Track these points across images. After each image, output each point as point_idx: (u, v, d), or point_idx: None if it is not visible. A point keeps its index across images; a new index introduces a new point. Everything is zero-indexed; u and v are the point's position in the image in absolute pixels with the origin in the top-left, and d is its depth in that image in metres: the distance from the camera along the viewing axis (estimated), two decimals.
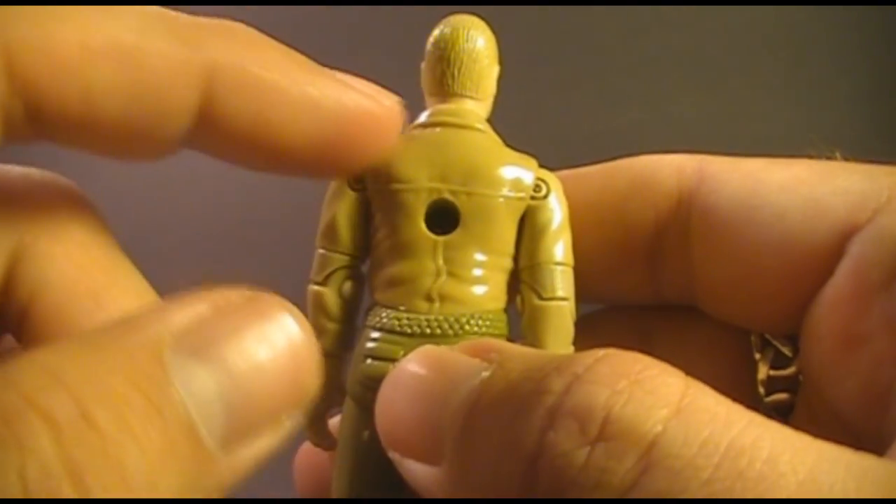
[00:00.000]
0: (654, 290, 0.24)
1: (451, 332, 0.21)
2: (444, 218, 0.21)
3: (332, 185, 0.23)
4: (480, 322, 0.21)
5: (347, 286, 0.22)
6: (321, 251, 0.23)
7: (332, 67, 0.20)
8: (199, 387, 0.15)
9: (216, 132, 0.18)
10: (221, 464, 0.15)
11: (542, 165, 0.22)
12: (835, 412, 0.21)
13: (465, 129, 0.22)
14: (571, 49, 0.47)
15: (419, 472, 0.17)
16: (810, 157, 0.22)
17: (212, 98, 0.18)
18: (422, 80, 0.23)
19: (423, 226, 0.21)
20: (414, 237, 0.21)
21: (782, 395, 0.23)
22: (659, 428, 0.14)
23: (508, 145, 0.22)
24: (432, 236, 0.21)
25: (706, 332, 0.24)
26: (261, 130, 0.18)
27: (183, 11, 0.19)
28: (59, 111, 0.17)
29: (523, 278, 0.22)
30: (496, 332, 0.21)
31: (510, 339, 0.21)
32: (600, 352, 0.16)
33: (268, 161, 0.20)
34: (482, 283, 0.21)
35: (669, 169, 0.23)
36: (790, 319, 0.22)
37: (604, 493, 0.14)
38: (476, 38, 0.22)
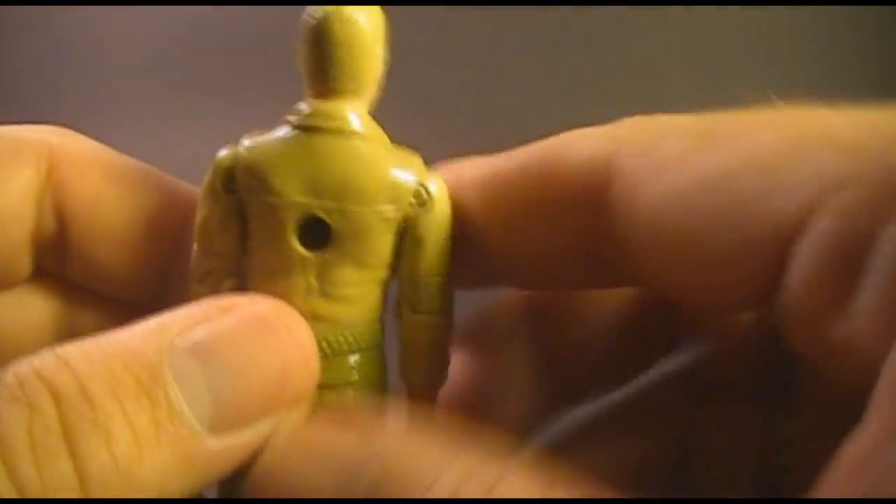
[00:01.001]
0: (593, 283, 0.23)
1: (319, 353, 0.20)
2: (319, 229, 0.21)
3: (204, 181, 0.21)
4: (351, 339, 0.21)
5: (227, 284, 0.21)
6: (196, 247, 0.22)
7: None
8: (190, 377, 0.17)
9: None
10: (207, 446, 0.17)
11: None
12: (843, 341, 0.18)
13: (341, 136, 0.20)
14: (571, 49, 0.47)
15: None
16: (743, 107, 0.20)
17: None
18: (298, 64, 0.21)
19: (293, 242, 0.20)
20: (284, 254, 0.20)
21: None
22: None
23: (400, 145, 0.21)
24: (303, 253, 0.20)
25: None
26: None
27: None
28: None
29: (402, 289, 0.22)
30: (367, 345, 0.21)
31: (384, 349, 0.22)
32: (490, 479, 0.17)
33: None
34: (355, 299, 0.21)
35: (579, 171, 0.20)
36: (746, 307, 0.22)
37: None
38: (349, 26, 0.20)
